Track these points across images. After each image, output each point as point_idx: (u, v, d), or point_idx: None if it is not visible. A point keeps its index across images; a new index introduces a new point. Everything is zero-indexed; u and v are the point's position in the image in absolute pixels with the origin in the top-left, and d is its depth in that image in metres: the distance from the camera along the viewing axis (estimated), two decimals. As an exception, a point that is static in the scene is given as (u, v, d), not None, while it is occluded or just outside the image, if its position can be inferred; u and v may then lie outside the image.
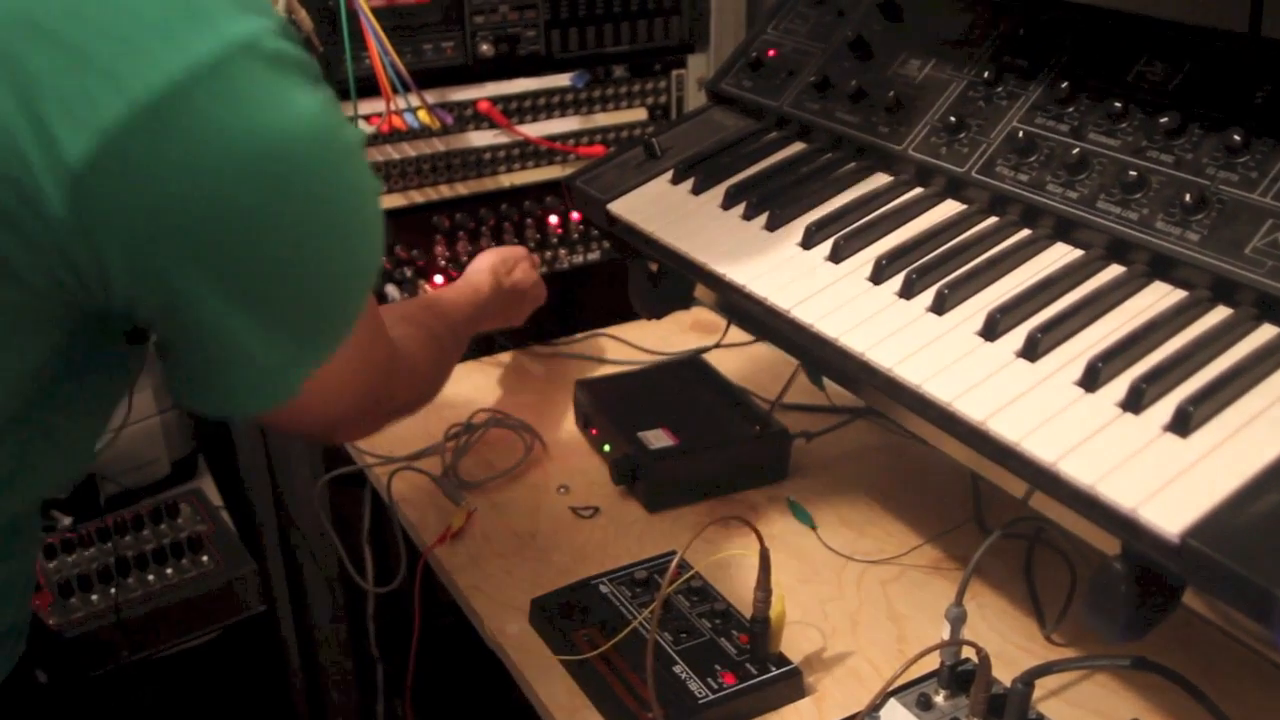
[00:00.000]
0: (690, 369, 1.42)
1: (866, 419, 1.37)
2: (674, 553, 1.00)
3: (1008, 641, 1.05)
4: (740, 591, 1.03)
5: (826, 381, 1.32)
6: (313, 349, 0.76)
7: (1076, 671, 0.99)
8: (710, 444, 1.26)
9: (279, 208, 0.68)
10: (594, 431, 1.34)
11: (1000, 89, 1.04)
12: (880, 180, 1.09)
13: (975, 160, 1.01)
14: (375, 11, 1.37)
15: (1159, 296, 0.86)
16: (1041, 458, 0.75)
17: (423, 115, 1.44)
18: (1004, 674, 0.95)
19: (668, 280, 1.19)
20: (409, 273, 1.53)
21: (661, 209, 1.15)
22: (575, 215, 1.62)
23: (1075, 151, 0.94)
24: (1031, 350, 0.83)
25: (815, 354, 0.95)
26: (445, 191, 1.54)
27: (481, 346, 1.59)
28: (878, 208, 1.04)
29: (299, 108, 0.68)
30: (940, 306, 0.90)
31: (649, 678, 0.91)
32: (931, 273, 0.93)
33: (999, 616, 1.08)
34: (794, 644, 1.02)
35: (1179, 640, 1.01)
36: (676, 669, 0.97)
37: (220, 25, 0.64)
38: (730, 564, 1.07)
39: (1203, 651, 1.02)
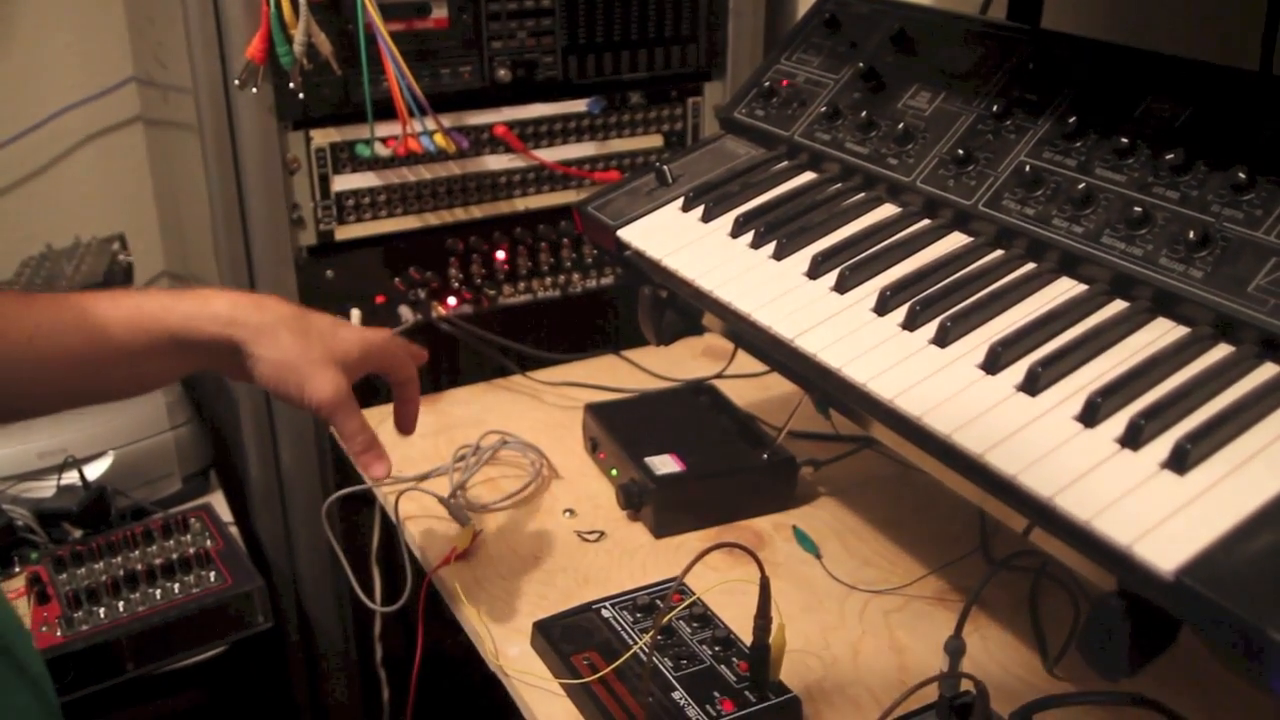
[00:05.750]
0: (699, 395, 1.42)
1: (874, 448, 1.37)
2: (677, 578, 1.00)
3: (1010, 674, 1.04)
4: (743, 619, 1.03)
5: (834, 411, 1.32)
6: None
7: (1076, 706, 0.98)
8: (717, 470, 1.26)
9: None
10: (602, 455, 1.35)
11: (1009, 123, 1.04)
12: (888, 211, 1.09)
13: (982, 193, 1.02)
14: (394, 35, 1.39)
15: (1161, 333, 0.86)
16: (1038, 492, 0.75)
17: (439, 139, 1.46)
18: (1006, 707, 0.95)
19: (676, 307, 1.20)
20: (422, 294, 1.55)
21: (670, 236, 1.15)
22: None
23: (1081, 186, 0.94)
24: (1032, 384, 0.83)
25: (818, 384, 0.95)
26: (460, 214, 1.56)
27: (492, 369, 1.60)
28: (884, 239, 1.05)
29: None
30: (943, 339, 0.90)
31: (646, 703, 0.91)
32: (935, 305, 0.94)
33: (1002, 649, 1.08)
34: (794, 672, 1.02)
35: (1182, 677, 1.01)
36: (676, 695, 0.97)
37: None
38: (734, 590, 1.07)
39: (1205, 689, 1.01)
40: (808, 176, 1.18)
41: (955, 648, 0.90)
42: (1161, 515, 0.71)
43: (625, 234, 1.19)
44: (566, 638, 1.05)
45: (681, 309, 1.19)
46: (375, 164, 1.48)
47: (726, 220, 1.14)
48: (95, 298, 0.91)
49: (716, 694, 0.97)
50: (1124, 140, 0.94)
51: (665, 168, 1.24)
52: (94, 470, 1.51)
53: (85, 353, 0.89)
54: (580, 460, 1.39)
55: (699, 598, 1.08)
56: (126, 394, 0.96)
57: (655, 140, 1.66)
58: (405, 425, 1.10)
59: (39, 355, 0.87)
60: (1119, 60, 1.01)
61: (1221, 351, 0.83)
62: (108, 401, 0.95)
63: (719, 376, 1.52)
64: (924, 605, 1.14)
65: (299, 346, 0.96)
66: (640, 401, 1.43)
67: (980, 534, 1.20)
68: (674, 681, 0.98)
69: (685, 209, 1.19)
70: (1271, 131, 0.87)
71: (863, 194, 1.12)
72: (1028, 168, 0.99)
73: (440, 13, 1.45)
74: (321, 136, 1.44)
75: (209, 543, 1.42)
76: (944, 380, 0.87)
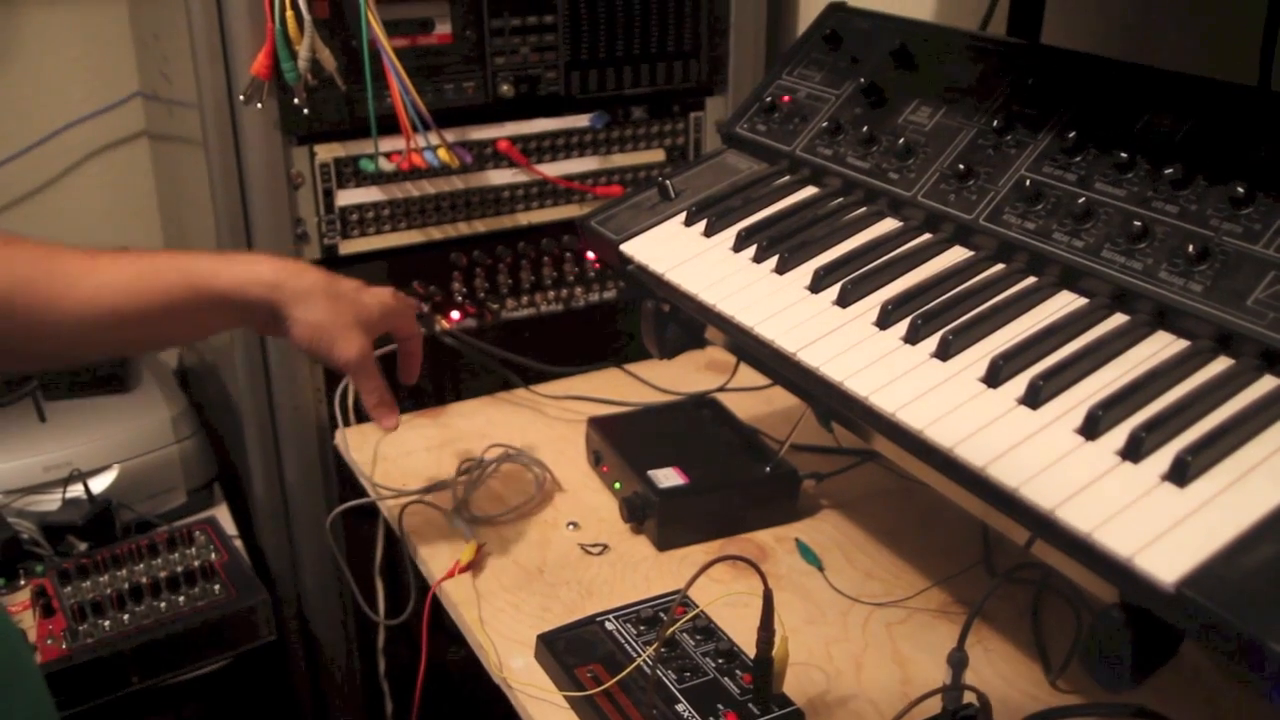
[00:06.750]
0: (702, 408, 1.43)
1: (876, 461, 1.37)
2: (681, 591, 1.01)
3: (1013, 687, 1.04)
4: (746, 631, 1.03)
5: (836, 424, 1.33)
6: None
7: (1078, 719, 0.99)
8: (720, 483, 1.27)
9: None
10: (605, 469, 1.35)
11: (1009, 137, 1.05)
12: (889, 225, 1.10)
13: (983, 207, 1.02)
14: (398, 51, 1.40)
15: (1161, 346, 0.87)
16: (1040, 504, 0.75)
17: (443, 154, 1.47)
18: (1009, 719, 0.95)
19: (679, 320, 1.21)
20: (426, 308, 1.55)
21: (673, 250, 1.16)
22: (590, 254, 1.64)
23: (1081, 201, 0.95)
24: (1033, 397, 0.84)
25: (821, 397, 0.96)
26: (464, 229, 1.57)
27: (495, 382, 1.61)
28: (886, 253, 1.05)
29: None
30: (945, 352, 0.91)
31: (650, 715, 0.91)
32: (937, 318, 0.94)
33: (1005, 661, 1.08)
34: (797, 685, 1.02)
35: (1184, 688, 1.01)
36: (679, 707, 0.97)
37: None
38: (737, 603, 1.08)
39: (1207, 700, 1.02)
40: (809, 191, 1.19)
41: (958, 660, 0.91)
42: (1162, 527, 0.71)
43: (628, 248, 1.19)
44: (570, 650, 1.05)
45: (684, 323, 1.20)
46: (379, 179, 1.49)
47: (729, 234, 1.14)
48: (152, 257, 1.03)
49: (720, 706, 0.97)
50: (1124, 155, 0.95)
51: (668, 182, 1.25)
52: (99, 484, 1.52)
53: (141, 309, 0.99)
54: (583, 473, 1.39)
55: (702, 610, 1.08)
56: (173, 344, 1.08)
57: (657, 155, 1.67)
58: (410, 375, 1.21)
59: (100, 311, 0.97)
60: (1118, 75, 1.02)
61: (1221, 364, 0.83)
62: (155, 351, 1.03)
63: (722, 390, 1.53)
64: (927, 618, 1.14)
65: (331, 311, 1.07)
66: (643, 415, 1.44)
67: (982, 546, 1.21)
68: (678, 694, 0.98)
69: (688, 223, 1.19)
70: (1270, 146, 0.88)
71: (864, 208, 1.13)
72: (1028, 182, 1.00)
73: (444, 28, 1.46)
74: (326, 151, 1.45)
75: (213, 556, 1.42)
76: (946, 393, 0.87)
